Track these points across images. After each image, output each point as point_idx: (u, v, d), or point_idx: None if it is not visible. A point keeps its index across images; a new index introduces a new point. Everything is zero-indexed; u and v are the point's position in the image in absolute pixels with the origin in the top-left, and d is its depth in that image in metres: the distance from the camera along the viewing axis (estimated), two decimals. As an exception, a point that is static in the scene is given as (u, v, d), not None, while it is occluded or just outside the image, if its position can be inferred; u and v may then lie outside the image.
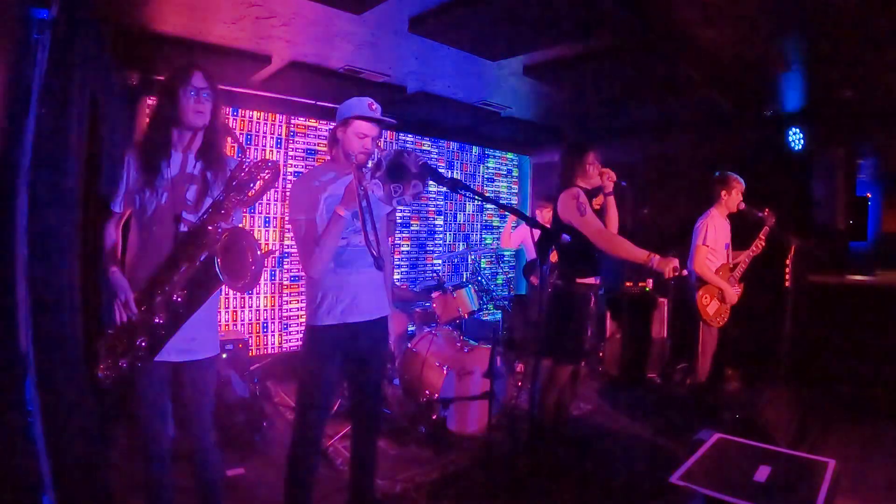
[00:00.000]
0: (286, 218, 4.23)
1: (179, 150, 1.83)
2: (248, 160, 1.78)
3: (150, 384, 1.77)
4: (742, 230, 3.62)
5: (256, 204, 4.19)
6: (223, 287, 1.71)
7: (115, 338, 1.69)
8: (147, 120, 1.88)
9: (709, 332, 3.55)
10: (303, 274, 2.26)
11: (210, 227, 1.70)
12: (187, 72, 1.78)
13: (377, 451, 2.31)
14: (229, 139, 1.88)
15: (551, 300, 2.83)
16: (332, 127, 2.09)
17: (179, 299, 1.67)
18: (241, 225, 1.82)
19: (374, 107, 1.99)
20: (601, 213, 2.85)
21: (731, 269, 3.55)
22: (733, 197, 3.51)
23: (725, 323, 3.55)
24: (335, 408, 3.10)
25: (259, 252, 1.70)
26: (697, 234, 3.54)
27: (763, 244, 3.51)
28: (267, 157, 1.84)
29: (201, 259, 1.68)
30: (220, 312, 3.85)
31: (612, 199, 2.88)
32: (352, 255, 2.05)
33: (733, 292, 3.53)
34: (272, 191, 4.29)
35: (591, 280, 2.81)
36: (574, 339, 2.77)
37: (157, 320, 1.66)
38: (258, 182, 1.76)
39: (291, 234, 2.48)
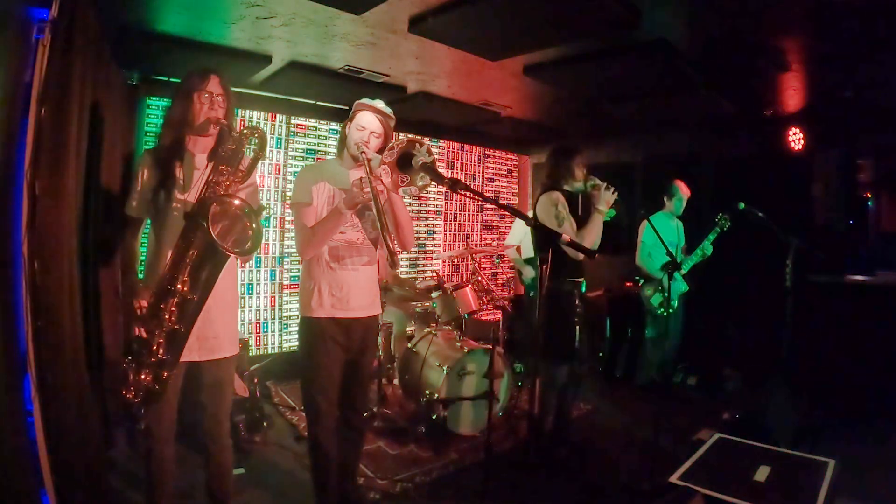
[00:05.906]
0: (289, 201, 4.21)
1: (193, 153, 1.84)
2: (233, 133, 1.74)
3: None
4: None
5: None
6: (237, 273, 1.69)
7: (138, 356, 1.67)
8: (162, 123, 1.89)
9: (654, 322, 3.88)
10: (300, 267, 2.32)
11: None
12: (204, 76, 1.79)
13: (361, 450, 2.42)
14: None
15: (541, 300, 2.80)
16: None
17: (187, 290, 1.63)
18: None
19: (378, 104, 2.09)
20: (582, 224, 2.75)
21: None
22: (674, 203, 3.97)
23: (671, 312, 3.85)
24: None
25: (254, 212, 1.66)
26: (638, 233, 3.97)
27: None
28: (251, 126, 1.78)
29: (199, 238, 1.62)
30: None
31: (599, 217, 2.73)
32: (346, 252, 2.09)
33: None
34: (272, 191, 4.30)
35: (574, 279, 2.84)
36: (561, 337, 2.76)
37: (175, 326, 1.63)
38: (247, 151, 1.73)
39: (292, 218, 2.53)
